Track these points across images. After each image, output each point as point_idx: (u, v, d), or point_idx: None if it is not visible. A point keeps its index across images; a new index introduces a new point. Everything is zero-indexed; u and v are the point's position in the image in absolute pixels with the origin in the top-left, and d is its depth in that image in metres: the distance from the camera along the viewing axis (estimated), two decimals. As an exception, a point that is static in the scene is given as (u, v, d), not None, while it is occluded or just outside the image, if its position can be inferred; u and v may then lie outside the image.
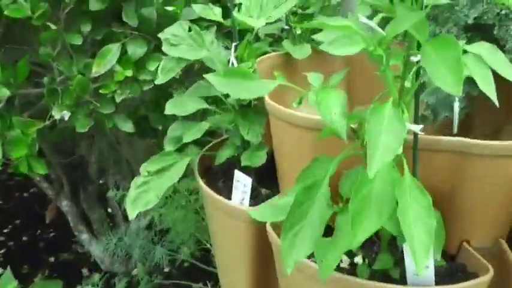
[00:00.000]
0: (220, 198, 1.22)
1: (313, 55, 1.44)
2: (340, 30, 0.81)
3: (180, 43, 1.24)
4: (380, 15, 0.83)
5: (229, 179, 1.37)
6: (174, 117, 1.55)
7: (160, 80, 1.25)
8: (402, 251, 0.96)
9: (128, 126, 1.62)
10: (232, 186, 1.31)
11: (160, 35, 1.27)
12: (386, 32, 0.80)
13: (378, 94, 1.56)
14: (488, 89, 0.74)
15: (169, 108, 1.25)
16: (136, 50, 1.47)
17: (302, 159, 1.12)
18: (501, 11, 1.07)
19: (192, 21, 1.43)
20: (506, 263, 1.04)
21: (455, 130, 0.87)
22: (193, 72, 1.57)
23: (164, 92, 1.67)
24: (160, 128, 1.74)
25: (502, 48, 1.07)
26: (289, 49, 1.41)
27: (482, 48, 0.79)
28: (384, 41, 0.80)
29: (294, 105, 0.97)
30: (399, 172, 0.83)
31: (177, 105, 1.25)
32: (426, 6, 0.80)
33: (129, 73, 1.48)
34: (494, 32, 1.09)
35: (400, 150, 0.77)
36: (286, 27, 1.49)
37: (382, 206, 0.79)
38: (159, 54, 1.44)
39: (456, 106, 0.82)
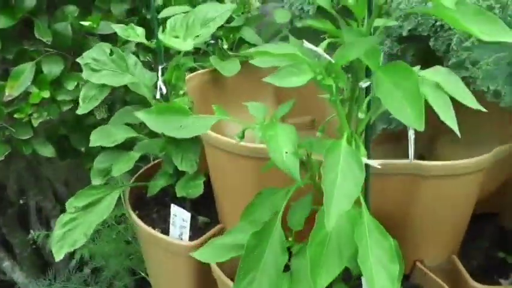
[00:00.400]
0: (158, 234, 1.13)
1: (241, 68, 1.37)
2: (285, 58, 0.74)
3: (102, 68, 1.13)
4: (326, 41, 0.76)
5: (163, 207, 1.28)
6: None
7: (82, 110, 1.13)
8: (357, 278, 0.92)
9: (48, 151, 1.48)
10: (166, 215, 1.22)
11: (79, 60, 1.15)
12: (334, 59, 0.73)
13: (307, 103, 1.54)
14: (449, 119, 0.70)
15: (95, 140, 1.13)
16: (52, 68, 1.33)
17: (245, 189, 1.05)
18: (436, 22, 1.04)
19: (110, 36, 1.33)
20: (459, 280, 1.02)
21: (411, 158, 0.82)
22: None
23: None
24: (83, 149, 1.61)
25: (438, 59, 1.04)
26: (217, 66, 1.33)
27: (438, 74, 0.74)
28: (333, 69, 0.74)
29: (237, 139, 0.89)
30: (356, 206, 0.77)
31: (104, 136, 1.14)
32: (376, 29, 0.75)
33: (45, 94, 1.34)
34: (430, 44, 1.06)
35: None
36: (212, 41, 1.40)
37: (341, 249, 0.73)
38: (78, 72, 1.31)
39: (411, 133, 0.77)
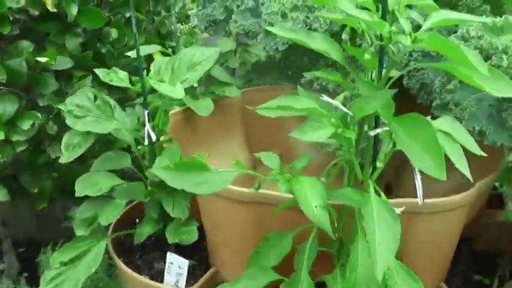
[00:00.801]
0: (155, 283, 1.11)
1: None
2: (305, 112, 0.78)
3: (86, 114, 1.11)
4: (342, 94, 0.81)
5: (146, 252, 1.27)
6: (49, 176, 1.37)
7: (65, 159, 1.10)
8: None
9: (1, 195, 1.41)
10: (151, 260, 1.22)
11: (61, 106, 1.13)
12: (353, 111, 0.77)
13: (275, 136, 1.58)
14: (463, 168, 0.76)
15: (81, 190, 1.10)
16: (7, 107, 1.26)
17: (245, 234, 1.07)
18: (409, 62, 1.11)
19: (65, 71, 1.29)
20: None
21: (420, 198, 0.87)
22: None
23: (37, 149, 1.47)
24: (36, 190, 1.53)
25: (410, 97, 1.11)
26: (191, 105, 1.34)
27: (445, 122, 0.80)
28: (351, 121, 0.78)
29: (253, 190, 0.91)
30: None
31: (88, 185, 1.12)
32: (389, 80, 0.80)
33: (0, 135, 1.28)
34: (404, 82, 1.13)
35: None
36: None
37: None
38: (34, 111, 1.26)
39: (419, 178, 0.83)
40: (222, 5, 1.53)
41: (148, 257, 1.25)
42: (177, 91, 1.07)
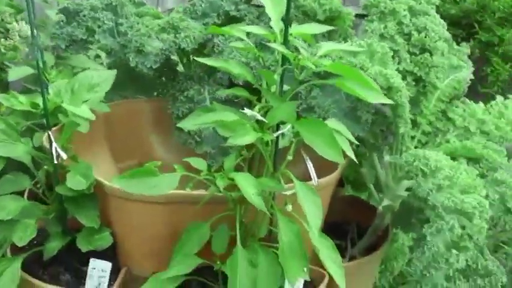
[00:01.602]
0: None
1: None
2: (233, 125, 0.99)
3: (-9, 140, 1.16)
4: (257, 107, 1.03)
5: (60, 264, 1.34)
6: None
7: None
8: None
9: None
10: (61, 272, 1.31)
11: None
12: (267, 119, 1.01)
13: (134, 146, 1.74)
14: (351, 153, 1.04)
15: (-11, 216, 1.16)
16: None
17: (159, 232, 1.23)
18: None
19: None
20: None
21: (315, 180, 1.13)
22: None
23: None
24: None
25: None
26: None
27: (334, 124, 1.08)
28: (268, 127, 1.02)
29: (188, 189, 1.09)
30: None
31: (-3, 210, 1.17)
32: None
33: None
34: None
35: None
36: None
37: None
38: None
39: (310, 165, 1.09)
40: (83, 25, 1.64)
41: (58, 269, 1.33)
42: (84, 111, 1.19)
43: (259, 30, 1.05)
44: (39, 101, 1.22)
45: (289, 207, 1.04)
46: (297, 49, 1.03)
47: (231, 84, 1.57)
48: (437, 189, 1.06)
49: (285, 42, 1.02)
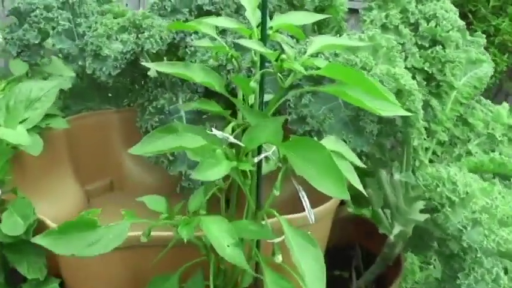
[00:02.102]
0: None
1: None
2: (200, 151, 0.70)
3: None
4: (230, 125, 0.74)
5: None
6: None
7: None
8: None
9: None
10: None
11: None
12: (245, 143, 0.71)
13: (104, 163, 1.44)
14: (355, 182, 0.75)
15: None
16: None
17: (115, 284, 0.94)
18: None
19: None
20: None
21: (311, 219, 0.84)
22: None
23: None
24: None
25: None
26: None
27: (332, 143, 0.79)
28: (245, 152, 0.72)
29: (144, 238, 0.79)
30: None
31: None
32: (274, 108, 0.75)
33: None
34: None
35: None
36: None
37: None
38: None
39: (305, 198, 0.80)
40: (36, 28, 1.34)
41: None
42: (19, 135, 0.90)
43: (230, 23, 0.76)
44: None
45: (279, 258, 0.75)
46: (280, 46, 0.74)
47: (208, 92, 1.28)
48: (473, 225, 0.77)
49: (263, 37, 0.73)
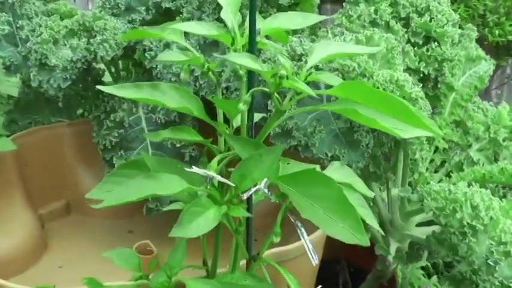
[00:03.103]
0: None
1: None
2: (180, 197, 0.52)
3: None
4: (216, 159, 0.56)
5: None
6: None
7: None
8: None
9: None
10: None
11: None
12: (234, 182, 0.54)
13: (60, 184, 1.24)
14: (371, 219, 0.59)
15: None
16: None
17: None
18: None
19: None
20: None
21: (314, 260, 0.68)
22: None
23: None
24: None
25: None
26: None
27: (337, 171, 0.62)
28: (236, 193, 0.55)
29: None
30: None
31: None
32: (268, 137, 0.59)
33: None
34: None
35: None
36: None
37: None
38: None
39: (305, 236, 0.64)
40: (-32, 34, 1.12)
41: None
42: None
43: (207, 29, 0.58)
44: None
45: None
46: (269, 58, 0.56)
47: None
48: (505, 259, 0.63)
49: (252, 47, 0.55)
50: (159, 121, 1.07)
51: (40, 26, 1.12)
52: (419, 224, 0.95)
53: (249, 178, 0.54)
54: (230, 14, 0.61)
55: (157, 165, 0.57)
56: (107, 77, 1.27)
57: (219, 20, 1.13)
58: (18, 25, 1.17)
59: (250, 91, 0.54)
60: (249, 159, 0.54)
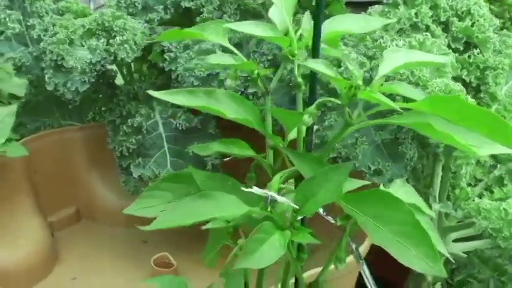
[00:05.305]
0: None
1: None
2: (238, 221, 0.45)
3: None
4: (277, 177, 0.49)
5: None
6: None
7: None
8: None
9: None
10: None
11: None
12: (298, 203, 0.48)
13: (70, 191, 1.17)
14: (441, 247, 0.53)
15: None
16: None
17: None
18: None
19: None
20: None
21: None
22: None
23: None
24: None
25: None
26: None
27: (400, 190, 0.56)
28: (296, 217, 0.48)
29: None
30: None
31: None
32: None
33: None
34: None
35: None
36: None
37: None
38: None
39: (366, 270, 0.57)
40: (-22, 33, 1.04)
41: None
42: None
43: (263, 29, 0.51)
44: None
45: None
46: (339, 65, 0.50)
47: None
48: None
49: (316, 52, 0.49)
50: (180, 127, 1.00)
51: (54, 25, 1.04)
52: (455, 240, 0.89)
53: (312, 200, 0.48)
54: (285, 14, 0.54)
55: (207, 180, 0.50)
56: (119, 79, 1.19)
57: (243, 20, 1.09)
58: (29, 24, 1.09)
59: (318, 102, 0.48)
60: (313, 179, 0.48)
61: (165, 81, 1.13)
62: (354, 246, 0.56)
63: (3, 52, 1.06)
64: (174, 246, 1.07)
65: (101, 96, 1.18)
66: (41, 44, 1.03)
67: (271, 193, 0.47)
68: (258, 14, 1.13)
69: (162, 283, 0.54)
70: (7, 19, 1.07)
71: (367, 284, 0.58)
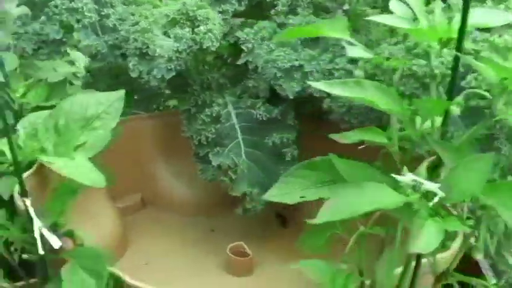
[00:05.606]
0: None
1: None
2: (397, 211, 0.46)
3: None
4: (425, 163, 0.50)
5: None
6: None
7: None
8: None
9: None
10: None
11: None
12: (445, 191, 0.49)
13: (135, 178, 1.18)
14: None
15: None
16: None
17: None
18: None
19: None
20: None
21: None
22: None
23: None
24: None
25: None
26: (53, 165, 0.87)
27: None
28: (442, 205, 0.49)
29: None
30: None
31: None
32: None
33: None
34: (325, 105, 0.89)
35: None
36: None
37: None
38: None
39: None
40: (56, 20, 1.06)
41: None
42: (81, 167, 0.63)
43: (399, 22, 0.52)
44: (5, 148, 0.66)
45: None
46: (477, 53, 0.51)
47: (272, 96, 1.04)
48: None
49: (461, 44, 0.49)
50: (260, 118, 1.01)
51: (133, 14, 1.06)
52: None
53: (456, 189, 0.49)
54: (414, 5, 0.55)
55: (348, 168, 0.51)
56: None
57: (315, 14, 1.09)
58: (103, 13, 1.11)
59: (464, 93, 0.49)
60: (456, 168, 0.49)
61: (234, 72, 1.14)
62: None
63: (81, 39, 1.08)
64: (243, 235, 1.08)
65: (166, 85, 1.18)
66: (120, 31, 1.04)
67: (421, 179, 0.48)
68: (327, 9, 1.13)
69: (312, 265, 0.55)
70: (84, 8, 1.09)
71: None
